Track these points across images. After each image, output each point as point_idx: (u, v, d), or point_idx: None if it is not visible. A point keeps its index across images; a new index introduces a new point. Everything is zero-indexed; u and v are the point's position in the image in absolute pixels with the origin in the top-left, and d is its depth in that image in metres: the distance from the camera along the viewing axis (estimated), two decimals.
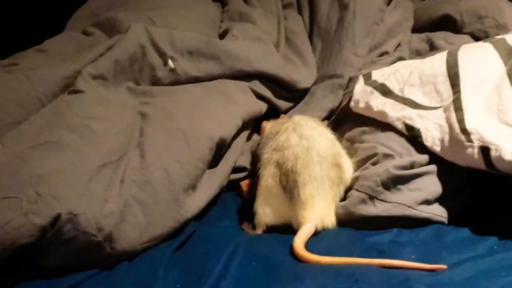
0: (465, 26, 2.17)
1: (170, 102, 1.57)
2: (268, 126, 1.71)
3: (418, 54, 2.15)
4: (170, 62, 1.69)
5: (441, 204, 1.48)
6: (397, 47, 2.15)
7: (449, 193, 1.49)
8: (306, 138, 1.47)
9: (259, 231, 1.49)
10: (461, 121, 1.44)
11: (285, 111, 1.93)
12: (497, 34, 1.97)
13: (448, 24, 2.21)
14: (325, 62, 2.07)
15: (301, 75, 1.93)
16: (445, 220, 1.45)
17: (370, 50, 2.07)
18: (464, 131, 1.42)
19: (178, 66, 1.70)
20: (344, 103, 1.83)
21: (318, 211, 1.43)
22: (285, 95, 1.91)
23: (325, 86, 2.00)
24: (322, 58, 2.11)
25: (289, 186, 1.43)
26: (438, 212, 1.45)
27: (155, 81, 1.69)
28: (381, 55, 2.09)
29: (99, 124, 1.44)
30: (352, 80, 1.87)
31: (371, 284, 1.14)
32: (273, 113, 1.87)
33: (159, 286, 1.23)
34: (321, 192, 1.43)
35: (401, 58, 2.08)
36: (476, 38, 2.08)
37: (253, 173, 1.73)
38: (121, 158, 1.41)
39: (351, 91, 1.82)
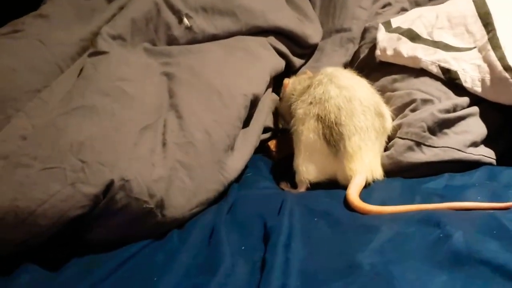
0: None
1: (194, 61, 1.50)
2: (290, 82, 1.65)
3: (417, 4, 2.11)
4: (186, 20, 1.61)
5: (487, 145, 1.45)
6: None
7: (493, 134, 1.46)
8: (346, 88, 1.42)
9: (302, 189, 1.44)
10: (502, 58, 1.42)
11: (298, 69, 1.87)
12: None
13: None
14: (329, 17, 2.02)
15: (311, 30, 1.87)
16: (494, 161, 1.43)
17: (373, 1, 2.02)
18: (508, 68, 1.39)
19: (194, 24, 1.62)
20: (363, 55, 1.79)
21: (367, 163, 1.38)
22: (298, 51, 1.85)
23: (333, 41, 1.95)
24: (325, 13, 2.05)
25: (333, 139, 1.38)
26: (487, 153, 1.43)
27: (172, 41, 1.61)
28: (384, 6, 2.05)
29: (131, 87, 1.35)
30: (368, 30, 1.83)
31: (457, 226, 1.09)
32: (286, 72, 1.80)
33: (224, 249, 1.16)
34: (368, 143, 1.39)
35: (404, 9, 2.05)
36: None
37: (278, 132, 1.67)
38: (157, 120, 1.33)
39: (370, 42, 1.79)
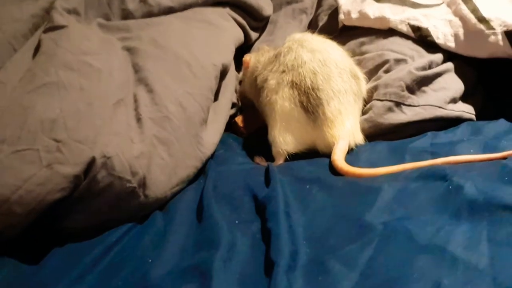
0: None
1: (156, 34, 1.41)
2: (252, 58, 1.58)
3: None
4: None
5: (465, 101, 1.43)
6: None
7: (468, 89, 1.45)
8: (319, 52, 1.37)
9: (280, 162, 1.37)
10: (475, 10, 1.41)
11: (252, 44, 1.81)
12: None
13: None
14: None
15: (263, 1, 1.81)
16: (474, 117, 1.42)
17: None
18: (482, 19, 1.38)
19: None
20: (321, 23, 1.75)
21: (348, 127, 1.34)
22: (253, 24, 1.78)
23: (285, 13, 1.90)
24: None
25: (311, 105, 1.32)
26: (467, 109, 1.42)
27: (127, 15, 1.52)
28: None
29: (97, 60, 1.25)
30: None
31: (465, 177, 1.06)
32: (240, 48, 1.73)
33: (219, 224, 1.09)
34: (347, 106, 1.34)
35: None
36: None
37: (242, 108, 1.61)
38: (127, 95, 1.24)
39: (328, 8, 1.75)
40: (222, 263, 0.98)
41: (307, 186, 1.19)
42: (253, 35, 1.77)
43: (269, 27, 1.87)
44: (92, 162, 1.06)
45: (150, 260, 1.02)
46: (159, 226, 1.14)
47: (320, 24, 1.74)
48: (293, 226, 1.04)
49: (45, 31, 1.30)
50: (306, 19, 1.87)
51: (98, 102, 1.15)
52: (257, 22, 1.79)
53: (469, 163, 1.15)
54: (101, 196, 1.09)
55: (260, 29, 1.85)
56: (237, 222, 1.12)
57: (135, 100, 1.24)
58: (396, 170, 1.20)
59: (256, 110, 1.55)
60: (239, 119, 1.56)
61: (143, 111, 1.21)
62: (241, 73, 1.62)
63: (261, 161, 1.42)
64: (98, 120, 1.12)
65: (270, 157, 1.41)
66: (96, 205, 1.10)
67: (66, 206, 1.07)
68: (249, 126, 1.55)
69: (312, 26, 1.81)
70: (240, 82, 1.64)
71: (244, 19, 1.71)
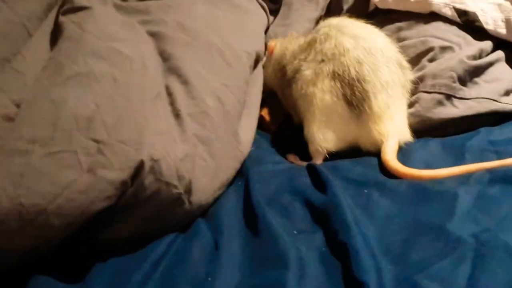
0: None
1: (181, 17, 1.29)
2: (277, 44, 1.47)
3: None
4: None
5: None
6: None
7: None
8: (362, 39, 1.26)
9: (319, 161, 1.27)
10: None
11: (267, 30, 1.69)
12: None
13: None
14: None
15: None
16: None
17: None
18: None
19: None
20: (346, 5, 1.65)
21: (398, 123, 1.24)
22: (270, 6, 1.67)
23: None
24: None
25: (356, 98, 1.22)
26: None
27: None
28: None
29: (127, 47, 1.12)
30: None
31: None
32: None
33: (281, 237, 0.98)
34: (396, 100, 1.24)
35: None
36: None
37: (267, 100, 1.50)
38: (162, 87, 1.12)
39: None
40: (296, 282, 0.88)
41: (365, 191, 1.10)
42: (271, 19, 1.65)
43: (283, 10, 1.75)
44: (140, 165, 0.93)
45: (209, 279, 0.91)
46: (207, 237, 1.03)
47: (345, 7, 1.64)
48: (367, 239, 0.93)
49: (64, 13, 1.16)
50: (323, 1, 1.76)
51: (137, 95, 1.02)
52: (273, 3, 1.68)
53: None
54: (146, 205, 0.97)
55: (275, 12, 1.72)
56: (295, 232, 1.02)
57: (169, 93, 1.12)
58: (459, 172, 1.11)
59: (279, 100, 1.44)
60: (264, 113, 1.45)
61: (181, 105, 1.09)
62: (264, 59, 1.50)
63: (295, 160, 1.32)
64: (140, 117, 0.99)
65: (303, 155, 1.31)
66: (140, 215, 0.98)
67: (107, 216, 0.95)
68: (275, 120, 1.44)
69: (333, 9, 1.71)
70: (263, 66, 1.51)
71: (264, 0, 1.59)
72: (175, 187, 0.99)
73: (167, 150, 0.99)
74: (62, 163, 0.91)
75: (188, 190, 1.02)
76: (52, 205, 0.88)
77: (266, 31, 1.65)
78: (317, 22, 1.71)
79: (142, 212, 0.98)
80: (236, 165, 1.17)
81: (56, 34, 1.15)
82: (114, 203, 0.93)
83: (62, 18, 1.16)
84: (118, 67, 1.06)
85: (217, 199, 1.12)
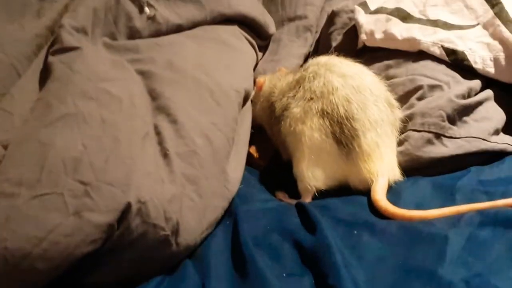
0: None
1: (170, 56, 1.29)
2: (266, 81, 1.47)
3: None
4: (147, 9, 1.38)
5: (506, 132, 1.34)
6: None
7: (508, 119, 1.36)
8: (351, 77, 1.26)
9: (307, 199, 1.26)
10: None
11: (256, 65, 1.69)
12: None
13: None
14: (277, 4, 1.86)
15: (268, 18, 1.71)
16: None
17: None
18: None
19: (157, 12, 1.40)
20: (335, 42, 1.64)
21: (387, 162, 1.23)
22: (259, 43, 1.68)
23: (289, 31, 1.79)
24: (270, 0, 1.89)
25: (345, 136, 1.21)
26: (510, 141, 1.33)
27: (134, 34, 1.39)
28: None
29: (116, 87, 1.12)
30: (338, 14, 1.68)
31: None
32: None
33: (270, 281, 0.96)
34: (385, 138, 1.23)
35: None
36: None
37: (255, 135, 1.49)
38: (150, 127, 1.11)
39: (341, 27, 1.64)
40: None
41: (355, 231, 1.09)
42: (259, 55, 1.65)
43: (272, 46, 1.76)
44: (127, 208, 0.93)
45: None
46: (194, 280, 1.02)
47: (334, 44, 1.64)
48: (357, 283, 0.92)
49: (53, 53, 1.16)
50: (311, 38, 1.77)
51: (125, 136, 1.02)
52: (262, 41, 1.68)
53: None
54: (133, 247, 0.97)
55: (264, 48, 1.73)
56: (284, 275, 1.01)
57: (158, 133, 1.12)
58: (450, 213, 1.11)
59: (267, 137, 1.45)
60: (253, 150, 1.44)
61: (169, 145, 1.09)
62: (252, 95, 1.50)
63: (284, 198, 1.31)
64: (128, 158, 0.99)
65: (292, 192, 1.30)
66: (126, 257, 0.98)
67: (93, 259, 0.94)
68: (265, 156, 1.43)
69: (322, 46, 1.71)
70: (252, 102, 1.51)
71: (253, 38, 1.60)
72: (162, 228, 0.98)
73: (155, 191, 0.98)
74: (48, 206, 0.90)
75: (176, 231, 1.01)
76: (37, 248, 0.87)
77: (255, 67, 1.65)
78: (306, 58, 1.72)
79: (129, 255, 0.97)
80: (225, 204, 1.16)
81: (45, 75, 1.15)
82: (100, 246, 0.91)
83: (51, 59, 1.16)
84: (106, 107, 1.06)
85: (205, 239, 1.12)
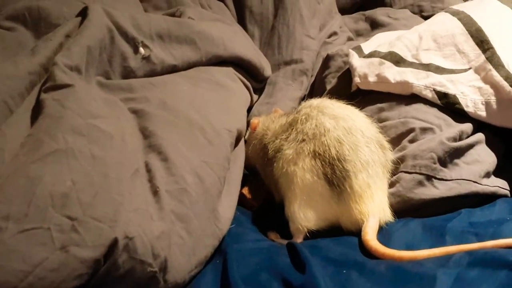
0: (395, 3, 2.12)
1: (164, 95, 1.31)
2: (260, 122, 1.48)
3: (358, 34, 2.05)
4: (142, 49, 1.41)
5: (498, 175, 1.35)
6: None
7: (499, 162, 1.37)
8: (342, 119, 1.28)
9: (299, 240, 1.27)
10: (509, 78, 1.34)
11: (251, 107, 1.71)
12: (432, 8, 1.95)
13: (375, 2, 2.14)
14: (274, 48, 1.89)
15: (264, 61, 1.73)
16: (508, 193, 1.34)
17: (319, 31, 1.93)
18: None
19: (152, 53, 1.42)
20: (329, 85, 1.66)
21: (378, 203, 1.24)
22: (254, 85, 1.70)
23: (285, 74, 1.82)
24: (267, 44, 1.92)
25: (337, 178, 1.22)
26: (501, 184, 1.34)
27: (128, 73, 1.40)
28: (330, 36, 1.97)
29: (107, 124, 1.13)
30: (332, 58, 1.71)
31: None
32: None
33: None
34: (376, 179, 1.24)
35: (350, 39, 2.00)
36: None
37: (249, 177, 1.50)
38: (141, 164, 1.12)
39: (336, 71, 1.67)
40: None
41: (344, 271, 1.09)
42: (254, 97, 1.67)
43: (267, 89, 1.78)
44: (114, 243, 0.93)
45: None
46: None
47: (328, 87, 1.66)
48: None
49: (46, 90, 1.18)
50: (306, 81, 1.80)
51: (114, 172, 1.03)
52: (257, 83, 1.70)
53: None
54: (119, 283, 0.97)
55: (259, 91, 1.75)
56: None
57: (148, 170, 1.12)
58: (439, 254, 1.11)
59: (261, 178, 1.46)
60: (245, 190, 1.45)
61: (159, 182, 1.10)
62: (246, 135, 1.51)
63: (276, 238, 1.31)
64: (116, 194, 1.00)
65: (284, 232, 1.31)
66: None
67: None
68: (258, 197, 1.44)
69: (317, 89, 1.73)
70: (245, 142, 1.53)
71: (248, 80, 1.62)
72: (150, 265, 0.98)
73: (143, 227, 0.99)
74: (35, 240, 0.91)
75: (164, 269, 1.01)
76: (23, 283, 0.88)
77: (250, 109, 1.67)
78: (301, 101, 1.73)
79: None
80: (215, 243, 1.17)
81: (37, 111, 1.16)
82: (86, 282, 0.92)
83: (44, 96, 1.17)
84: (97, 143, 1.07)
85: (194, 277, 1.12)
